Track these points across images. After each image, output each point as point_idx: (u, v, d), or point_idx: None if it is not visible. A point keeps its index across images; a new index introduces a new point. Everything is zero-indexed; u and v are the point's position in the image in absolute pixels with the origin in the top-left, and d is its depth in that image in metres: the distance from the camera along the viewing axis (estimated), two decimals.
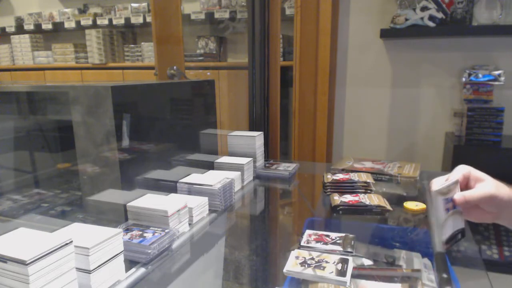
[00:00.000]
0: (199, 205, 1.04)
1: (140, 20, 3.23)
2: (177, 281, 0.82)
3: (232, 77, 2.72)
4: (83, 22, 3.41)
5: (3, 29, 3.84)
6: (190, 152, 1.32)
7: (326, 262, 0.78)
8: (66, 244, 0.63)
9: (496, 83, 2.14)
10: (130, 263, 0.81)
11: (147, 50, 3.28)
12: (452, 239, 0.69)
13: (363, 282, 0.77)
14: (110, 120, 0.93)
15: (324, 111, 2.36)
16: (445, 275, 0.63)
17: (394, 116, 2.51)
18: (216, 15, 2.90)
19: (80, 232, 0.73)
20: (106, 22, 3.34)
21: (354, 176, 1.30)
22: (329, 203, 1.16)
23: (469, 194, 0.68)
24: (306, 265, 0.77)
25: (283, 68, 1.98)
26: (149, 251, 0.81)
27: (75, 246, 0.65)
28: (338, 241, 0.87)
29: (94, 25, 3.39)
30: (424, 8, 2.13)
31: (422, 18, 2.14)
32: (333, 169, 1.49)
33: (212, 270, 0.93)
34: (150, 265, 0.81)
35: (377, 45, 2.45)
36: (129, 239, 0.84)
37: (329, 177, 1.30)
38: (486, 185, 0.69)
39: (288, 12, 2.65)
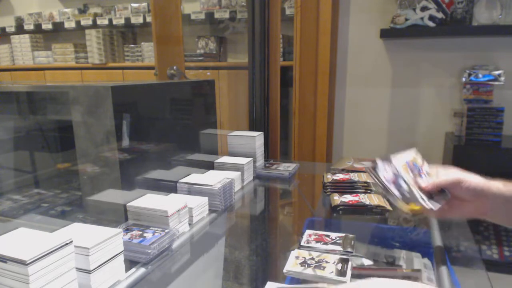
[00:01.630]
0: (199, 205, 1.04)
1: (140, 20, 3.23)
2: (177, 281, 0.82)
3: (232, 77, 2.72)
4: (83, 22, 3.41)
5: (3, 29, 3.84)
6: (190, 152, 1.31)
7: (326, 262, 0.78)
8: (66, 244, 0.63)
9: (496, 83, 2.15)
10: (130, 263, 0.81)
11: (147, 50, 3.28)
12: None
13: None
14: (110, 120, 0.93)
15: (324, 111, 2.36)
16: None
17: (394, 116, 2.51)
18: (216, 15, 2.90)
19: (80, 232, 0.73)
20: (106, 22, 3.33)
21: (354, 176, 1.30)
22: (329, 203, 1.16)
23: (436, 179, 0.74)
24: (306, 265, 0.77)
25: (283, 68, 1.98)
26: (149, 251, 0.81)
27: (75, 246, 0.65)
28: (338, 241, 0.87)
29: (94, 25, 3.39)
30: (424, 8, 2.13)
31: (422, 18, 2.14)
32: (333, 169, 1.49)
33: (212, 270, 0.93)
34: (150, 265, 0.81)
35: (377, 45, 2.45)
36: (129, 239, 0.84)
37: (329, 177, 1.30)
38: (451, 171, 0.74)
39: (288, 12, 2.65)
